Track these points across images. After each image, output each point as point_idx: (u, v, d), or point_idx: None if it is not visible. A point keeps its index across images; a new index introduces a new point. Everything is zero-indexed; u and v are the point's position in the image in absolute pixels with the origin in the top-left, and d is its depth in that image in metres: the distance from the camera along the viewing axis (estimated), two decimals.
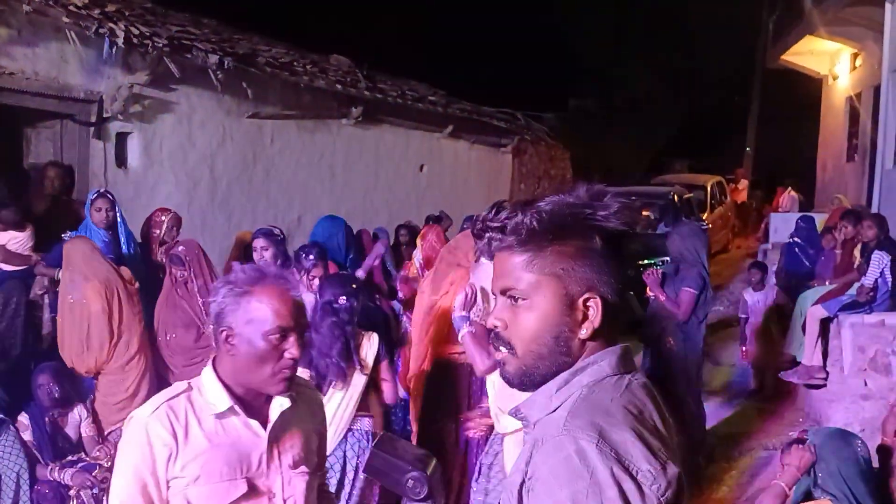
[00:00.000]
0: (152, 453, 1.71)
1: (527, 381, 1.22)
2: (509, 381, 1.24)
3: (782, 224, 9.78)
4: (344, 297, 3.32)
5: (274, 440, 1.81)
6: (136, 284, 4.49)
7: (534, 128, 13.48)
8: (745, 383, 6.88)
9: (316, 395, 2.13)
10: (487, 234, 1.22)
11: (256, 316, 1.74)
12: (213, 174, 7.07)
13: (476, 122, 11.28)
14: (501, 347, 1.23)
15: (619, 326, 1.24)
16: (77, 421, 4.17)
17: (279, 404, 1.82)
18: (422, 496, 1.50)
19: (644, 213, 9.44)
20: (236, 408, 1.78)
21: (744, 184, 16.91)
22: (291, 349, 1.76)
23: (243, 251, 5.63)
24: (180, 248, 4.56)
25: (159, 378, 4.54)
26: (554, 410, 1.18)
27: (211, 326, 1.84)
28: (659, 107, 20.17)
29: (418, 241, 5.43)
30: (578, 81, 19.99)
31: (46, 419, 4.03)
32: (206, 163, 6.99)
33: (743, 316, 6.67)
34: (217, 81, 6.63)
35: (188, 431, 1.74)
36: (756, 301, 6.59)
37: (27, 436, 3.98)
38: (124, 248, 4.84)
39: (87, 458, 4.08)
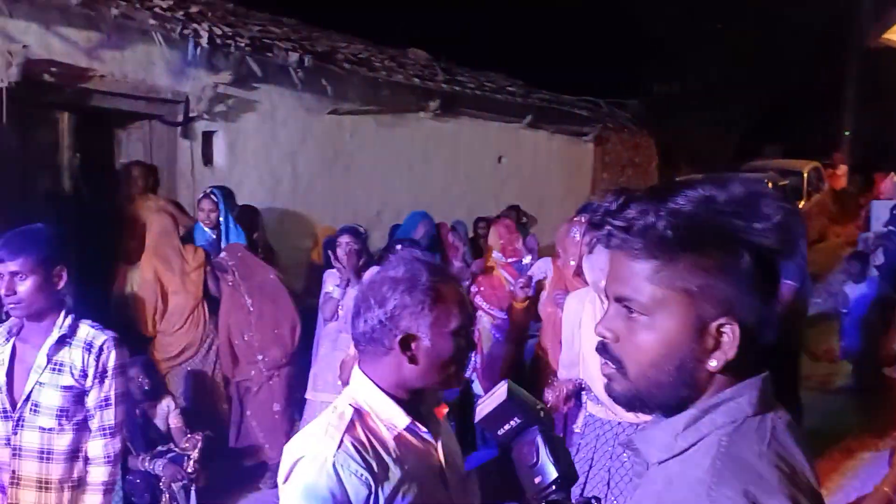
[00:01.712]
0: (347, 495, 1.47)
1: (637, 405, 1.06)
2: (615, 399, 1.08)
3: (884, 211, 9.23)
4: None
5: (444, 448, 1.65)
6: (197, 264, 4.87)
7: (617, 115, 13.14)
8: (845, 380, 6.53)
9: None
10: (607, 228, 1.02)
11: (442, 315, 1.56)
12: (295, 171, 7.18)
13: (556, 112, 11.07)
14: (609, 361, 1.06)
15: (755, 357, 1.03)
16: (165, 412, 4.30)
17: (440, 411, 1.67)
18: (552, 423, 1.46)
19: None
20: (416, 424, 1.58)
21: (842, 169, 16.08)
22: (471, 340, 1.64)
23: (323, 246, 5.72)
24: (223, 254, 4.69)
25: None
26: (680, 453, 1.01)
27: (364, 331, 1.60)
28: (746, 88, 19.35)
29: (491, 236, 5.38)
30: (662, 65, 19.40)
31: (137, 411, 4.17)
32: (289, 160, 7.10)
33: (843, 310, 6.32)
34: (297, 79, 6.71)
35: (382, 462, 1.52)
36: (857, 294, 6.23)
37: None
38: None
39: (176, 449, 4.21)
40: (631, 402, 1.06)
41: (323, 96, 7.23)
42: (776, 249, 0.99)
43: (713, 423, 1.00)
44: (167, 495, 4.02)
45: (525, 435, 1.43)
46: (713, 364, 1.00)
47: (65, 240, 2.56)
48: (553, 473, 1.38)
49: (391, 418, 1.57)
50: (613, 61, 16.41)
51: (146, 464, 4.05)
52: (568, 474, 1.39)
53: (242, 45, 6.11)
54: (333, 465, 1.47)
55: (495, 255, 5.05)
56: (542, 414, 1.44)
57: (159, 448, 4.18)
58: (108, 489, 2.50)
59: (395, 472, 1.53)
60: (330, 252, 4.68)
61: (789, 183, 11.52)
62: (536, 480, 1.38)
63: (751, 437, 0.99)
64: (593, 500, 1.43)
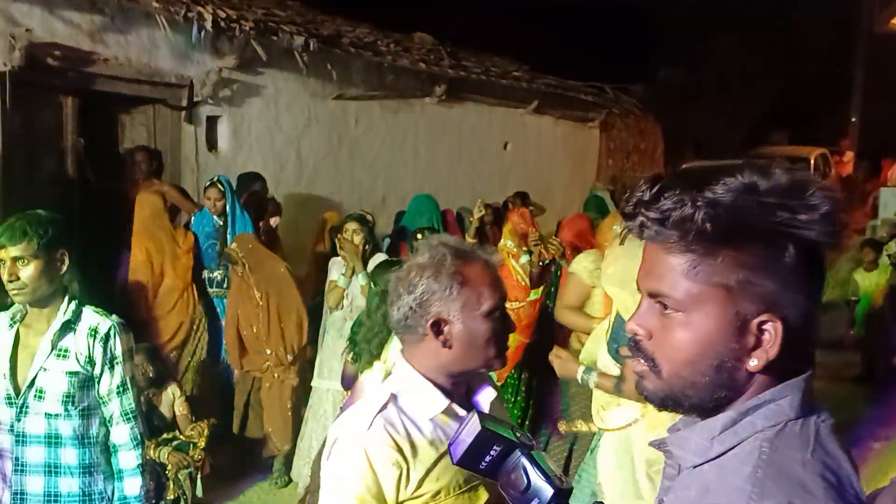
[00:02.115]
0: (378, 477, 1.50)
1: (670, 404, 1.00)
2: (646, 398, 1.02)
3: (892, 199, 9.19)
4: None
5: None
6: (188, 247, 4.89)
7: (622, 100, 13.03)
8: (856, 369, 6.49)
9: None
10: (640, 219, 0.96)
11: (472, 298, 1.54)
12: (300, 156, 7.13)
13: (561, 97, 10.98)
14: (641, 359, 1.00)
15: (800, 356, 0.97)
16: (171, 400, 4.27)
17: (487, 396, 1.64)
18: (532, 441, 1.43)
19: None
20: (455, 406, 1.58)
21: (849, 156, 16.01)
22: (507, 321, 1.60)
23: (329, 233, 5.68)
24: (233, 245, 4.66)
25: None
26: (716, 457, 0.96)
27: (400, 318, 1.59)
28: (754, 75, 19.18)
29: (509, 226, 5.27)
30: (668, 50, 19.22)
31: (142, 398, 4.13)
32: (293, 145, 7.05)
33: (853, 298, 6.28)
34: (303, 63, 6.64)
35: (413, 443, 1.53)
36: (868, 282, 6.18)
37: None
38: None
39: (182, 437, 4.18)
40: (664, 402, 1.00)
41: (328, 81, 7.16)
42: (822, 242, 0.92)
43: (752, 426, 0.95)
44: (173, 483, 4.00)
45: (508, 462, 1.35)
46: (753, 363, 0.94)
47: (66, 224, 2.56)
48: (549, 491, 1.32)
49: (428, 402, 1.57)
50: (619, 46, 16.27)
51: (151, 452, 4.02)
52: (563, 488, 1.34)
53: (247, 28, 6.03)
54: (363, 447, 1.51)
55: (507, 243, 4.98)
56: (518, 435, 1.39)
57: (164, 436, 4.15)
58: (144, 470, 2.56)
59: (428, 455, 1.53)
60: (336, 240, 4.64)
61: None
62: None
63: (793, 444, 0.93)
64: None
